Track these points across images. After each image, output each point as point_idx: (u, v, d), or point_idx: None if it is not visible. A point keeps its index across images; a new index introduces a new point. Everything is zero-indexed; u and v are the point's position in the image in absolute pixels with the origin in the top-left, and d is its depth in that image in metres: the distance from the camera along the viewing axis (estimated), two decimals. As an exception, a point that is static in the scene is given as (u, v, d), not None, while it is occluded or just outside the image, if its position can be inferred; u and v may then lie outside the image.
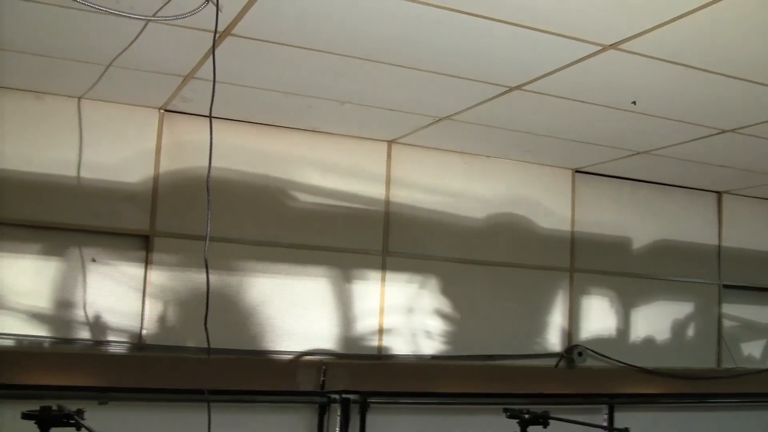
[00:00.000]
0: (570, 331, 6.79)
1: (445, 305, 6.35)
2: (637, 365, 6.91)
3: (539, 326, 6.73)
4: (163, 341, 5.54)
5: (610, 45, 3.97)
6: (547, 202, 6.83)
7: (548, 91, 4.77)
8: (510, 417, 4.86)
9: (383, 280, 6.16)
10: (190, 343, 5.54)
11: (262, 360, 5.77)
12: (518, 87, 4.73)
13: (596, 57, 4.13)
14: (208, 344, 3.85)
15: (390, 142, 6.27)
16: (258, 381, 5.63)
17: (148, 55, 4.54)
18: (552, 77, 4.50)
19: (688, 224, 7.44)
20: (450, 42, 4.08)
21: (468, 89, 4.83)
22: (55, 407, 3.88)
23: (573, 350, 6.70)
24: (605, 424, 6.61)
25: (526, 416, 4.79)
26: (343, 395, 5.76)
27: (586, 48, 4.03)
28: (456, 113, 5.37)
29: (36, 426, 3.83)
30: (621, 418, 6.62)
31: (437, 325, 6.33)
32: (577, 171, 6.95)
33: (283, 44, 4.21)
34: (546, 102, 4.97)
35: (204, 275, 5.34)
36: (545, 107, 5.10)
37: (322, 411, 5.77)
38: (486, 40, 4.01)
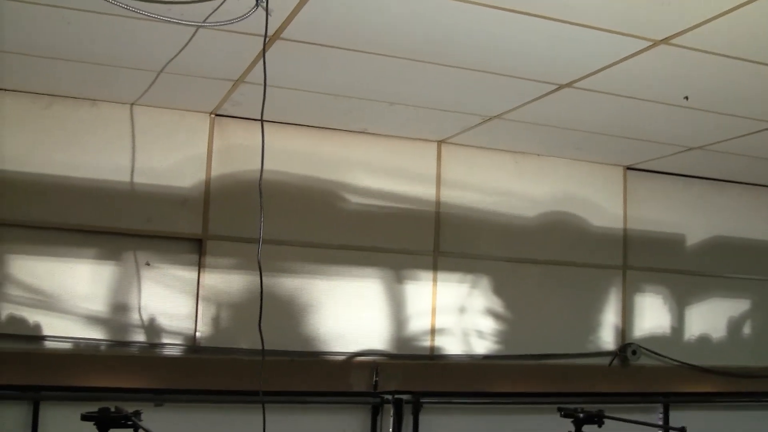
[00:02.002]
0: (623, 329, 6.72)
1: (497, 304, 6.33)
2: (693, 363, 6.82)
3: (592, 324, 6.67)
4: (217, 343, 5.59)
5: (661, 40, 3.92)
6: (599, 200, 6.77)
7: (599, 88, 4.73)
8: (564, 416, 4.83)
9: (435, 280, 6.16)
10: (244, 345, 5.58)
11: (315, 361, 5.79)
12: (568, 84, 4.70)
13: (647, 52, 4.08)
14: (263, 346, 3.87)
15: (440, 142, 6.26)
16: (311, 382, 5.67)
17: (198, 61, 4.58)
18: (602, 74, 4.46)
19: (744, 220, 7.31)
20: (499, 40, 4.06)
21: (517, 88, 4.81)
22: (113, 409, 3.93)
23: (627, 348, 6.63)
24: (661, 423, 6.54)
25: (581, 415, 4.75)
26: (396, 396, 5.76)
27: (637, 43, 3.98)
28: (505, 112, 5.34)
29: (95, 427, 3.88)
30: (676, 417, 6.53)
31: (489, 325, 6.31)
32: (628, 168, 6.87)
33: (331, 47, 4.23)
34: (597, 99, 4.93)
35: (256, 277, 5.43)
36: (596, 104, 5.05)
37: (375, 411, 5.79)
38: (535, 37, 3.99)
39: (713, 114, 5.14)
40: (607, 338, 6.69)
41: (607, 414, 4.80)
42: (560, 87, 4.75)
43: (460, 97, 5.09)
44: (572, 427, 4.79)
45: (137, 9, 3.55)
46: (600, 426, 4.76)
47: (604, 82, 4.62)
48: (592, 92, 4.80)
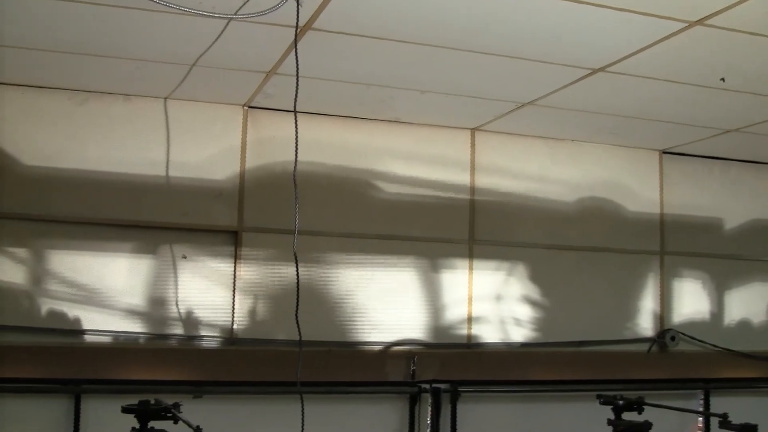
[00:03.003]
0: (662, 315, 6.67)
1: (533, 292, 6.30)
2: (733, 349, 6.75)
3: (630, 311, 6.62)
4: (254, 335, 5.62)
5: (696, 21, 3.87)
6: (635, 185, 6.71)
7: (633, 72, 4.68)
8: (604, 403, 4.81)
9: (471, 268, 6.14)
10: (281, 336, 5.60)
11: (352, 351, 5.81)
12: (602, 69, 4.66)
13: (682, 34, 4.03)
14: (300, 336, 3.89)
15: (473, 130, 6.23)
16: (349, 372, 5.69)
17: (230, 53, 4.60)
18: (637, 57, 4.42)
19: (784, 202, 7.22)
20: (531, 26, 4.04)
21: (551, 73, 4.78)
22: (152, 401, 3.97)
23: (665, 334, 6.58)
24: (701, 409, 6.48)
25: (621, 402, 4.73)
26: (434, 385, 5.77)
27: (672, 25, 3.94)
28: (539, 98, 5.31)
29: (135, 419, 3.93)
30: (717, 403, 6.47)
31: (526, 313, 6.28)
32: (664, 152, 6.80)
33: (363, 36, 4.22)
34: (631, 83, 4.88)
35: (292, 268, 5.46)
36: (631, 88, 5.01)
37: (413, 401, 5.80)
38: (568, 22, 3.96)
39: (750, 95, 5.07)
40: (645, 324, 6.63)
41: (647, 401, 4.77)
42: (594, 71, 4.71)
43: (493, 84, 5.07)
44: (612, 415, 4.77)
45: (169, 3, 3.58)
46: (640, 413, 4.74)
47: (638, 66, 4.57)
48: (626, 76, 4.76)
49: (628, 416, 4.77)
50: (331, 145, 5.88)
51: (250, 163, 5.70)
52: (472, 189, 6.21)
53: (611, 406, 4.76)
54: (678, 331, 6.62)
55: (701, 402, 6.58)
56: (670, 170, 6.83)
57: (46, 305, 5.26)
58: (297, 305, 3.90)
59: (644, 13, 3.81)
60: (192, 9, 3.69)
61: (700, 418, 6.48)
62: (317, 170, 5.82)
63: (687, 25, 3.92)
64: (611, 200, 6.64)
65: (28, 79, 5.25)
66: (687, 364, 6.60)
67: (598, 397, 4.88)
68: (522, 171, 6.37)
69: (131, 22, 4.11)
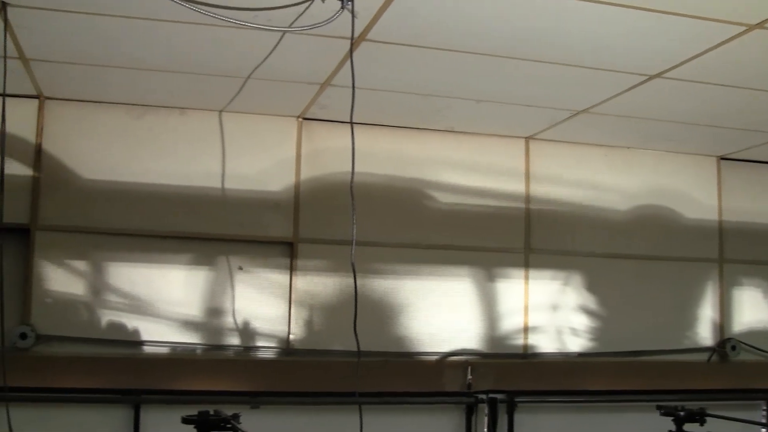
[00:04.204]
0: (721, 324, 6.56)
1: (590, 301, 6.24)
2: (798, 358, 6.63)
3: (688, 320, 6.52)
4: (310, 345, 5.63)
5: (756, 24, 3.80)
6: (692, 192, 6.62)
7: (690, 77, 4.62)
8: (664, 414, 4.73)
9: (526, 277, 6.10)
10: (337, 347, 5.61)
11: (408, 362, 5.80)
12: (658, 75, 4.60)
13: (741, 38, 3.96)
14: (358, 347, 3.87)
15: (527, 138, 6.20)
16: (405, 382, 5.68)
17: (285, 66, 4.63)
18: (693, 62, 4.35)
19: None
20: (585, 33, 4.00)
21: (606, 80, 4.73)
22: (212, 412, 3.99)
23: (726, 344, 6.47)
24: (765, 420, 6.36)
25: (682, 413, 4.65)
26: (490, 395, 5.74)
27: (730, 29, 3.87)
28: (594, 105, 5.26)
29: (195, 430, 3.95)
30: (781, 415, 6.36)
31: (583, 322, 6.22)
32: (722, 158, 6.69)
33: (417, 46, 4.22)
34: (688, 88, 4.81)
35: (347, 279, 5.48)
36: (687, 94, 4.94)
37: (470, 411, 5.77)
38: (623, 28, 3.91)
39: (812, 99, 4.98)
40: (704, 334, 6.53)
41: (708, 412, 4.68)
42: (650, 78, 4.66)
43: (548, 93, 5.04)
44: (673, 426, 4.69)
45: (225, 17, 3.61)
46: (702, 424, 4.66)
47: (695, 71, 4.50)
48: (683, 81, 4.69)
49: (689, 428, 4.69)
50: (386, 155, 5.89)
51: (304, 175, 5.73)
52: (527, 198, 6.17)
53: (672, 417, 4.68)
54: (739, 340, 6.50)
55: (764, 413, 6.45)
56: (729, 176, 6.72)
57: (105, 317, 5.34)
58: (355, 316, 3.88)
59: (702, 18, 3.74)
60: (247, 22, 3.72)
61: (764, 430, 6.36)
62: (372, 181, 5.83)
63: (746, 28, 3.85)
64: (668, 208, 6.55)
65: (87, 95, 5.35)
66: (749, 375, 6.48)
67: (659, 407, 4.80)
68: (577, 179, 6.32)
69: (187, 37, 4.16)
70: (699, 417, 4.66)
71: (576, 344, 6.20)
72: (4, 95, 4.06)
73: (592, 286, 6.26)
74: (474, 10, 3.74)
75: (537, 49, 4.24)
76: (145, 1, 3.67)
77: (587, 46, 4.17)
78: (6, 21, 3.88)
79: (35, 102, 5.34)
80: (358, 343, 3.88)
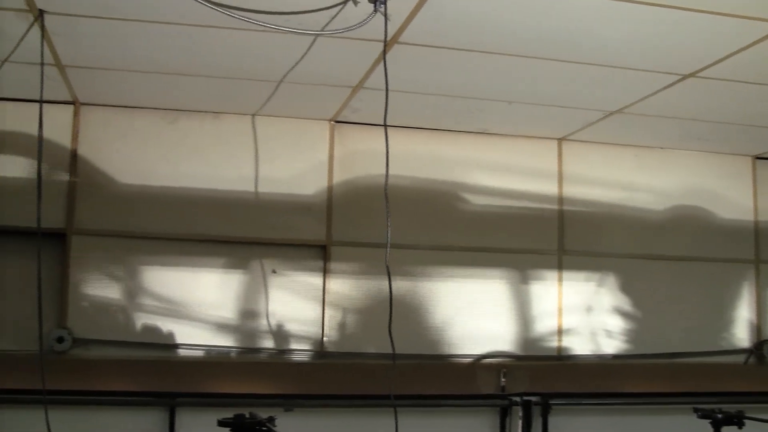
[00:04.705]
0: (758, 326, 6.49)
1: (624, 303, 6.20)
2: (836, 360, 6.54)
3: (724, 321, 6.46)
4: (344, 348, 5.64)
5: (792, 23, 3.78)
6: (727, 192, 6.55)
7: (725, 76, 4.57)
8: (702, 417, 4.68)
9: (560, 279, 6.07)
10: (371, 349, 5.62)
11: (442, 364, 5.80)
12: (692, 74, 4.56)
13: (776, 36, 3.93)
14: (393, 350, 3.86)
15: (560, 140, 6.17)
16: (439, 385, 5.68)
17: (317, 69, 4.64)
18: (729, 61, 4.30)
19: None
20: (618, 33, 3.98)
21: (639, 80, 4.70)
22: (247, 415, 4.00)
23: (763, 345, 6.40)
24: (804, 423, 6.29)
25: (720, 416, 4.59)
26: (524, 397, 5.72)
27: (765, 27, 3.83)
28: (627, 106, 5.23)
29: (230, 433, 3.97)
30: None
31: (617, 324, 6.18)
32: (757, 157, 6.62)
33: (449, 48, 4.22)
34: (722, 87, 4.77)
35: (380, 282, 5.49)
36: (722, 93, 4.89)
37: (504, 414, 5.75)
38: (656, 27, 3.88)
39: None
40: (741, 335, 6.46)
41: (747, 414, 4.63)
42: (684, 77, 4.62)
43: (581, 93, 5.01)
44: (710, 429, 4.64)
45: (258, 21, 3.63)
46: (740, 427, 4.60)
47: (730, 70, 4.46)
48: (717, 81, 4.65)
49: (727, 430, 4.64)
50: (418, 157, 5.89)
51: (337, 178, 5.75)
52: (560, 199, 6.15)
53: (709, 420, 4.63)
54: (777, 341, 6.44)
55: (803, 415, 6.38)
56: (764, 176, 6.64)
57: (140, 320, 5.38)
58: (390, 319, 3.88)
59: (736, 16, 3.71)
60: (280, 26, 3.74)
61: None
62: (405, 183, 5.83)
63: (782, 26, 3.82)
64: (702, 208, 6.49)
65: (122, 100, 5.40)
66: (788, 376, 6.41)
67: (695, 410, 4.75)
68: (610, 180, 6.28)
69: (220, 41, 4.18)
70: (737, 420, 4.60)
71: (611, 346, 6.16)
72: (41, 101, 4.10)
73: (626, 288, 6.21)
74: (505, 11, 3.73)
75: (570, 49, 4.22)
76: (179, 7, 3.69)
77: (621, 46, 4.15)
78: (43, 28, 3.92)
79: (71, 108, 5.40)
80: (393, 345, 3.87)
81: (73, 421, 5.06)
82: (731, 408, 4.72)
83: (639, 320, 6.22)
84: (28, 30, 3.97)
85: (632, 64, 4.43)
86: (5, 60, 4.42)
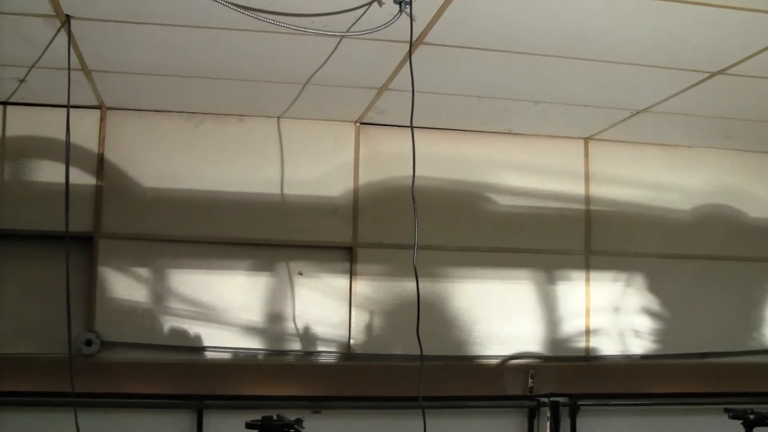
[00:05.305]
0: (790, 325, 6.43)
1: (653, 303, 6.15)
2: None
3: (755, 321, 6.40)
4: (371, 350, 5.64)
5: (823, 18, 3.73)
6: (756, 190, 6.49)
7: (754, 73, 4.52)
8: (733, 417, 4.65)
9: (588, 279, 6.04)
10: (397, 351, 5.61)
11: (470, 366, 5.78)
12: (721, 72, 4.52)
13: (807, 32, 3.89)
14: (421, 351, 3.85)
15: (586, 139, 6.14)
16: (467, 386, 5.67)
17: (342, 71, 4.64)
18: (758, 58, 4.26)
19: None
20: (645, 31, 3.95)
21: (667, 78, 4.66)
22: (275, 417, 4.02)
23: (794, 345, 6.35)
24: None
25: (752, 417, 4.56)
26: (552, 398, 5.69)
27: (796, 24, 3.80)
28: (654, 104, 5.19)
29: (261, 435, 3.99)
30: None
31: (646, 324, 6.14)
32: (787, 155, 6.58)
33: (475, 48, 4.20)
34: (752, 85, 4.72)
35: (407, 283, 5.48)
36: (751, 90, 4.84)
37: (532, 415, 5.73)
38: (683, 25, 3.85)
39: None
40: (771, 335, 6.41)
41: (780, 415, 4.60)
42: (712, 75, 4.58)
43: (607, 92, 4.98)
44: (742, 430, 4.61)
45: (283, 23, 3.63)
46: (773, 428, 4.57)
47: (759, 67, 4.41)
48: (746, 78, 4.60)
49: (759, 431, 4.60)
50: (445, 158, 5.87)
51: (363, 179, 5.74)
52: (587, 199, 6.11)
53: (741, 421, 4.60)
54: (808, 341, 6.37)
55: (836, 416, 6.30)
56: (794, 173, 6.59)
57: (167, 323, 5.40)
58: (418, 320, 3.87)
59: (765, 11, 3.67)
60: (305, 28, 3.74)
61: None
62: (431, 184, 5.82)
63: (812, 22, 3.77)
64: (731, 207, 6.43)
65: (147, 104, 5.43)
66: (821, 376, 6.34)
67: (727, 410, 4.72)
68: (637, 179, 6.23)
69: (244, 44, 4.19)
70: (770, 420, 4.57)
71: (639, 346, 6.11)
72: (68, 106, 4.12)
73: (654, 288, 6.17)
74: (531, 11, 3.71)
75: (596, 48, 4.19)
76: (203, 10, 3.69)
77: (646, 44, 4.12)
78: (70, 34, 3.94)
79: (97, 112, 5.43)
80: (420, 347, 3.86)
81: (101, 424, 5.11)
82: (764, 408, 4.68)
83: (667, 320, 6.17)
84: (55, 35, 4.00)
85: (658, 62, 4.40)
86: (33, 65, 4.46)
